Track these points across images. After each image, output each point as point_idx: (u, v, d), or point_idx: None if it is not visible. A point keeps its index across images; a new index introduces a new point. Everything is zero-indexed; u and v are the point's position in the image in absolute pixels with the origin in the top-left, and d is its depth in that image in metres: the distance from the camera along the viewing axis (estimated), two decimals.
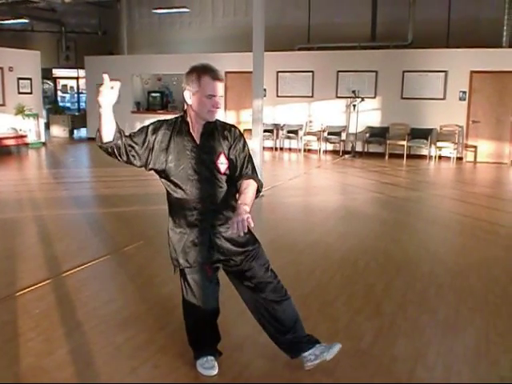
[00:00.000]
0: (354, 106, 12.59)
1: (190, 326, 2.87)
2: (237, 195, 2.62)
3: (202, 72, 2.46)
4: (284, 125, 13.53)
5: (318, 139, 13.04)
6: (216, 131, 2.60)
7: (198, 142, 2.57)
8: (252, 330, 3.29)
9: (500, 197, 8.43)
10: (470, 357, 3.07)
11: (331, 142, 13.12)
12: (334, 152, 13.05)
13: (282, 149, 13.71)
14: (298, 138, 13.36)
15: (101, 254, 4.85)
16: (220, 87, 2.49)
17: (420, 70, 12.25)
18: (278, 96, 13.62)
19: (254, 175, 2.65)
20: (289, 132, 13.46)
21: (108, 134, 2.39)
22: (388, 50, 12.79)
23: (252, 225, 2.34)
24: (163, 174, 2.60)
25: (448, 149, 11.97)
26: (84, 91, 17.94)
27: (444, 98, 12.12)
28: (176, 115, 2.66)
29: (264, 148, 13.71)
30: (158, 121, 2.60)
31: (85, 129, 16.36)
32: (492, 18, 12.14)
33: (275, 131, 13.48)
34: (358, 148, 12.84)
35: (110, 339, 3.19)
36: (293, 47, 13.65)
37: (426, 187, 9.18)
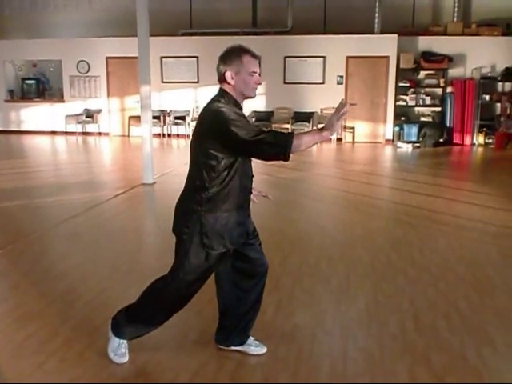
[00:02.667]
0: None
1: (165, 306, 2.70)
2: None
3: (242, 51, 2.53)
4: (171, 111, 13.43)
5: None
6: None
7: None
8: None
9: (377, 173, 9.12)
10: (363, 319, 3.36)
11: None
12: None
13: (169, 135, 13.61)
14: (186, 124, 13.33)
15: None
16: (258, 64, 2.56)
17: (300, 56, 12.75)
18: (163, 82, 13.45)
19: None
20: (176, 118, 13.39)
21: None
22: (269, 36, 13.11)
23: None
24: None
25: None
26: None
27: (323, 83, 12.74)
28: (216, 98, 2.54)
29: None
30: (221, 107, 2.45)
31: None
32: (365, 5, 12.87)
33: (162, 117, 13.33)
34: None
35: (10, 337, 3.06)
36: (176, 32, 13.53)
37: (310, 167, 9.64)
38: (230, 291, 2.81)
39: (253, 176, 2.72)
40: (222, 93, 2.55)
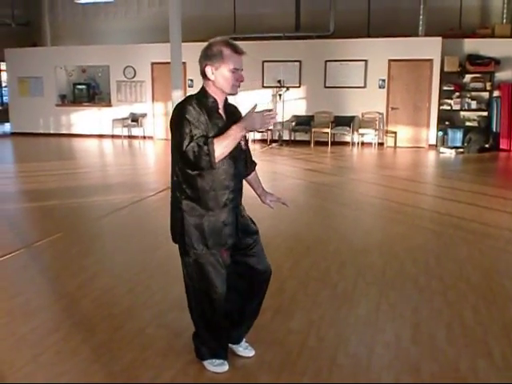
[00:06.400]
0: (280, 95, 12.84)
1: (208, 320, 2.69)
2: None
3: (224, 46, 2.42)
4: None
5: None
6: (232, 107, 2.62)
7: (225, 120, 2.51)
8: (156, 313, 3.43)
9: (413, 179, 8.90)
10: (359, 326, 3.31)
11: (259, 131, 13.31)
12: (262, 141, 13.26)
13: None
14: None
15: (13, 249, 4.79)
16: (242, 61, 2.47)
17: (342, 60, 12.64)
18: None
19: (254, 160, 2.90)
20: None
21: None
22: (311, 40, 13.08)
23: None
24: None
25: (369, 135, 12.45)
26: (5, 85, 17.25)
27: (365, 87, 12.57)
28: (191, 94, 2.52)
29: None
30: (184, 106, 2.42)
31: (8, 123, 15.79)
32: (409, 8, 12.63)
33: None
34: (285, 136, 13.10)
35: (14, 330, 3.21)
36: None
37: (345, 172, 9.53)
38: (230, 298, 2.72)
39: (242, 176, 2.70)
40: (199, 90, 2.51)
